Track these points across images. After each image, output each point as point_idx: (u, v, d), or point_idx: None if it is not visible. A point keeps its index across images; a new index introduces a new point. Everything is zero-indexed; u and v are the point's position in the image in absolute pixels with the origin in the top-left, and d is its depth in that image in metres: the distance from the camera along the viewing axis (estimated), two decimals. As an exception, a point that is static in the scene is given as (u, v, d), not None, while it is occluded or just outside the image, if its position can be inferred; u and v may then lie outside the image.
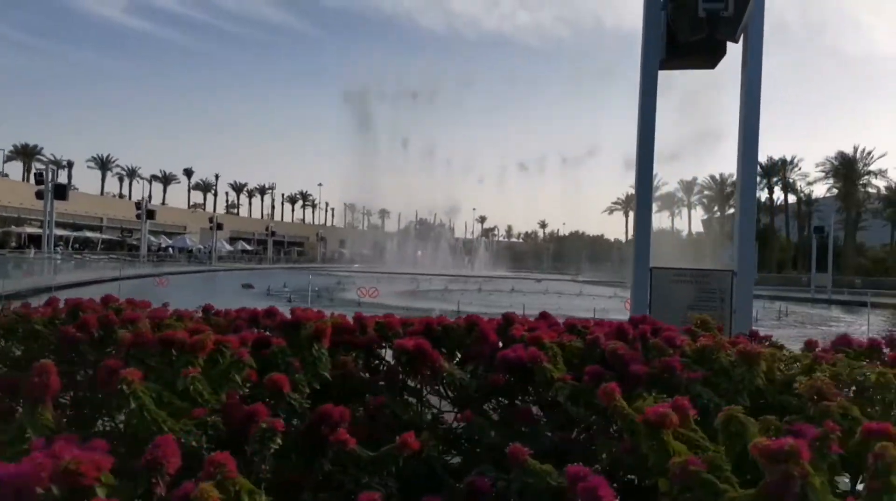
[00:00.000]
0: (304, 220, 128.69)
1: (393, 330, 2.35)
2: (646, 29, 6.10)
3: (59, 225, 65.38)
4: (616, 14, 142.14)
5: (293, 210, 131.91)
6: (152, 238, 75.90)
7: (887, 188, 64.15)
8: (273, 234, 79.45)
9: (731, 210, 75.85)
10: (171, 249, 71.99)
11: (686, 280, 6.23)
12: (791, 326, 21.13)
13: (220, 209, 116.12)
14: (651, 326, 2.44)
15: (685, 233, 75.19)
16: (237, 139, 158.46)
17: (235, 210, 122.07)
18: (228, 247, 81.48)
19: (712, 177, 73.63)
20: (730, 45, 6.10)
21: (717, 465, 1.24)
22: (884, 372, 1.82)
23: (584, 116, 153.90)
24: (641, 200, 6.22)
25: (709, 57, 6.33)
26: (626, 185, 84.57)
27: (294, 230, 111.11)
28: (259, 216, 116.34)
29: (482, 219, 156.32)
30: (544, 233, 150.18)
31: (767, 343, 3.19)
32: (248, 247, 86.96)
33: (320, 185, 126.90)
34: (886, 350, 2.96)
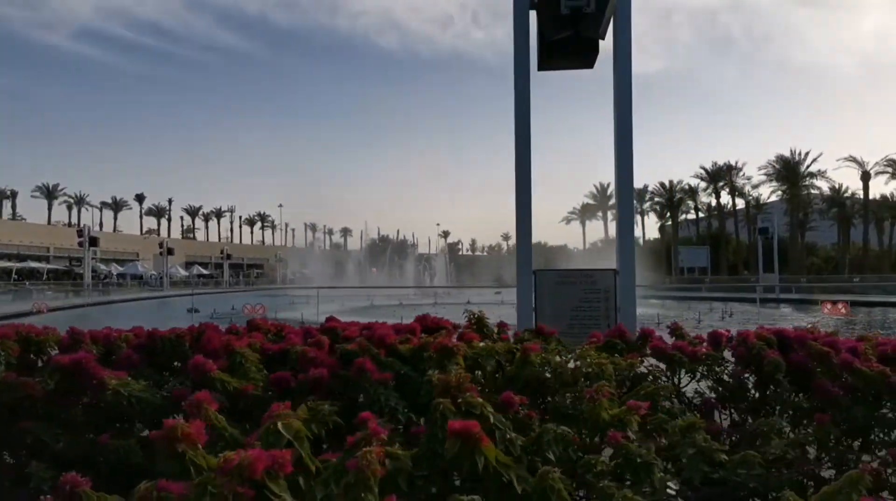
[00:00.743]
0: (263, 242, 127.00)
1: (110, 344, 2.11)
2: (516, 29, 6.02)
3: (2, 256, 63.12)
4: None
5: (252, 232, 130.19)
6: (102, 266, 73.92)
7: (831, 189, 66.31)
8: (229, 257, 78.03)
9: (684, 216, 78.23)
10: (122, 276, 70.08)
11: (571, 282, 6.12)
12: (733, 325, 21.39)
13: (176, 234, 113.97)
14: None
15: (642, 240, 76.44)
16: (193, 164, 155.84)
17: (192, 235, 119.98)
18: (183, 272, 79.76)
19: (662, 184, 75.06)
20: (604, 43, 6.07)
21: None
22: (561, 364, 1.67)
23: (543, 130, 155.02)
24: (521, 201, 6.10)
25: (584, 56, 6.28)
26: (581, 195, 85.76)
27: (253, 253, 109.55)
28: (216, 240, 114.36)
29: (445, 234, 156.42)
30: (508, 245, 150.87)
31: (594, 341, 3.06)
32: (205, 271, 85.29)
33: (280, 206, 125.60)
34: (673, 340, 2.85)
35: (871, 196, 64.38)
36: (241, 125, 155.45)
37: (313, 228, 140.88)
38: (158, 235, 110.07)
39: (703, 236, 72.16)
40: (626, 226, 6.08)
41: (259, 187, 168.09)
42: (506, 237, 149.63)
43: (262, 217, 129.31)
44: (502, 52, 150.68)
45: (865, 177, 61.47)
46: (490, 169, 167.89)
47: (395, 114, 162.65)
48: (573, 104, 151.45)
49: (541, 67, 6.61)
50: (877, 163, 61.32)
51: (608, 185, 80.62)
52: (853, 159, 61.17)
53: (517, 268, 6.13)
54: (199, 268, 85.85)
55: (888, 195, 66.09)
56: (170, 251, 61.38)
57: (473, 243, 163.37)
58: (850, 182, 66.04)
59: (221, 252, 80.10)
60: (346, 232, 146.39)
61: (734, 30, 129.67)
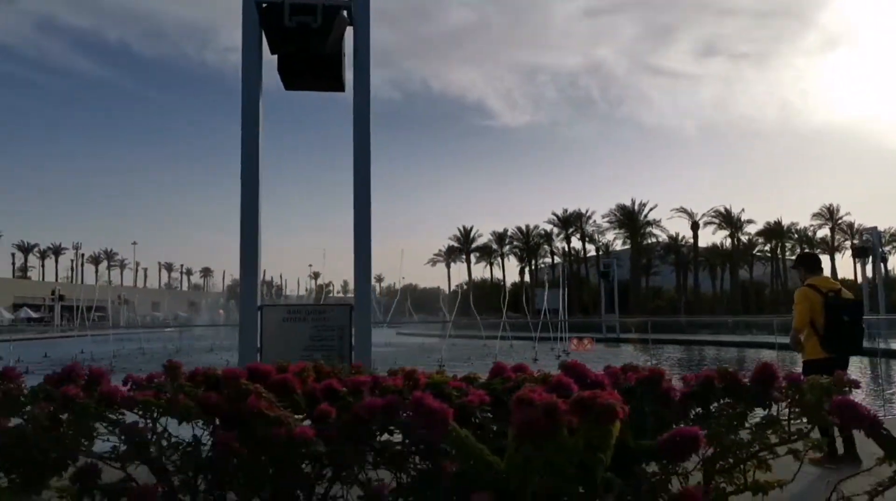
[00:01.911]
0: (110, 282, 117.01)
1: None
2: (245, 42, 5.54)
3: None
4: (444, 80, 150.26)
5: (97, 272, 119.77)
6: None
7: (670, 237, 72.40)
8: (62, 298, 70.65)
9: (545, 260, 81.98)
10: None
11: (301, 318, 5.58)
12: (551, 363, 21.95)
13: (6, 273, 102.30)
14: None
15: (507, 282, 78.90)
16: (28, 198, 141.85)
17: (24, 274, 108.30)
18: (7, 315, 71.39)
19: (519, 229, 78.41)
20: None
21: None
22: None
23: (414, 173, 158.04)
24: (246, 232, 5.51)
25: (328, 76, 5.90)
26: (445, 238, 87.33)
27: (94, 294, 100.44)
28: (53, 280, 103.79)
29: (315, 275, 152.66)
30: (380, 287, 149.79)
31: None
32: (34, 314, 76.76)
33: (134, 243, 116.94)
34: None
35: (705, 245, 71.21)
36: (88, 156, 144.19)
37: (169, 267, 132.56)
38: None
39: (558, 279, 75.78)
40: (362, 259, 5.66)
41: (109, 224, 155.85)
42: (378, 279, 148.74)
43: (109, 255, 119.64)
44: (378, 97, 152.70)
45: (695, 226, 67.93)
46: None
47: (268, 154, 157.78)
48: (434, 151, 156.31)
49: (288, 87, 6.15)
50: (704, 214, 68.04)
51: (471, 228, 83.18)
52: (684, 210, 67.47)
53: (240, 302, 5.52)
54: (29, 311, 77.20)
55: (718, 244, 73.35)
56: (-13, 291, 54.42)
57: (345, 284, 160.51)
58: (686, 232, 72.47)
59: (53, 293, 72.42)
60: (206, 273, 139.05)
61: (593, 91, 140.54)
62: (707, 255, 72.65)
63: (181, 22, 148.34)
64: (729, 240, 71.08)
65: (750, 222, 69.88)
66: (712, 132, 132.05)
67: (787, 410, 2.11)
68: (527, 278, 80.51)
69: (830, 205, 70.51)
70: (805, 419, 2.12)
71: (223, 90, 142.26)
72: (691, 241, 71.02)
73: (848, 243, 67.27)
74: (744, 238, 72.09)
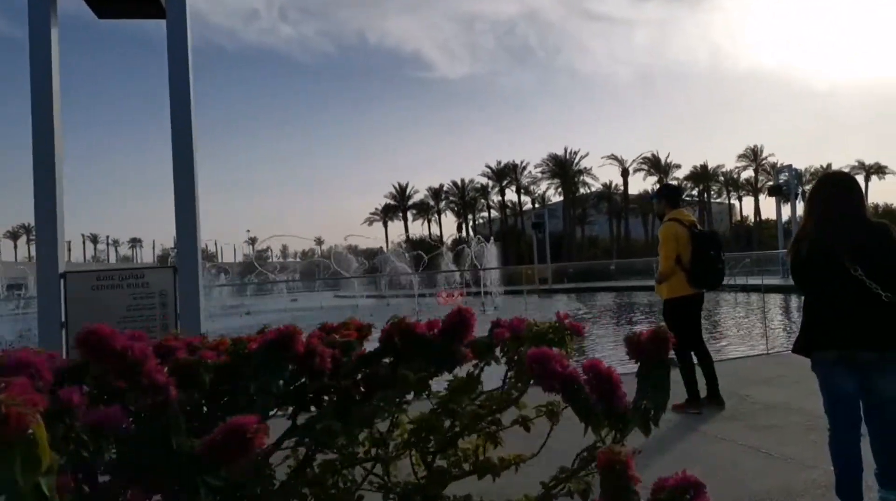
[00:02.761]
0: (28, 257, 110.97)
1: None
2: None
3: None
4: (379, 31, 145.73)
5: (16, 247, 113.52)
6: None
7: (604, 185, 73.36)
8: (-28, 276, 66.42)
9: (482, 214, 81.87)
10: None
11: (114, 284, 4.93)
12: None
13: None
14: None
15: (448, 239, 78.61)
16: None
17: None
18: (-84, 297, 66.60)
19: (454, 183, 77.87)
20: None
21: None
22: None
23: (350, 129, 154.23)
24: (41, 193, 4.76)
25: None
26: (382, 196, 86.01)
27: (14, 271, 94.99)
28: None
29: (252, 240, 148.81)
30: (321, 250, 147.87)
31: None
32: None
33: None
34: None
35: (637, 192, 72.52)
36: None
37: (94, 239, 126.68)
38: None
39: (497, 233, 76.04)
40: (186, 218, 5.00)
41: (27, 196, 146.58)
42: (319, 242, 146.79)
43: (28, 230, 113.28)
44: (312, 49, 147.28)
45: (625, 173, 68.89)
46: (303, 170, 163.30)
47: (197, 111, 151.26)
48: (372, 105, 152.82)
49: (101, 14, 5.30)
50: (633, 160, 69.01)
51: (407, 184, 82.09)
52: (614, 157, 68.21)
53: (38, 270, 4.81)
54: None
55: (649, 191, 74.78)
56: None
57: (285, 248, 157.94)
58: (618, 179, 73.53)
59: (-38, 271, 67.98)
60: (135, 243, 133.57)
61: (531, 40, 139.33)
62: (639, 202, 74.08)
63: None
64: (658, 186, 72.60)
65: (677, 166, 71.40)
66: (646, 78, 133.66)
67: (506, 368, 1.66)
68: (470, 232, 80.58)
69: (754, 146, 72.60)
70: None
71: (145, 46, 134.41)
72: (623, 188, 72.13)
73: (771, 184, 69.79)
74: (673, 183, 73.79)
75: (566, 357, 1.40)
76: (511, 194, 76.52)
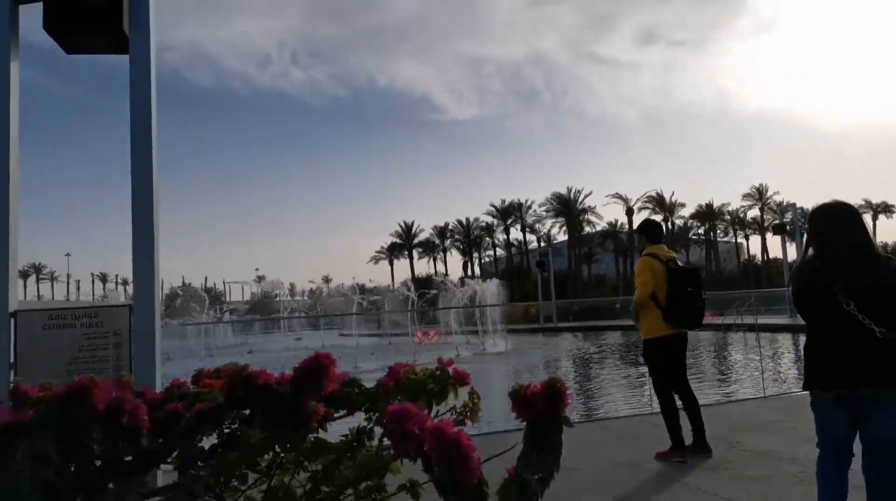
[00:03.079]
0: (38, 296, 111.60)
1: None
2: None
3: None
4: (390, 74, 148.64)
5: (25, 286, 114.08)
6: None
7: (609, 224, 73.25)
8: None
9: (488, 252, 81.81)
10: None
11: (67, 323, 4.73)
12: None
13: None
14: None
15: (454, 277, 78.36)
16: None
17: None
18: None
19: (459, 222, 77.96)
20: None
21: None
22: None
23: (360, 169, 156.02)
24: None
25: (112, 30, 5.00)
26: (388, 234, 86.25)
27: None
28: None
29: (260, 278, 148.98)
30: (328, 288, 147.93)
31: None
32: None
33: (68, 255, 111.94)
34: None
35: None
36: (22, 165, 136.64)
37: (104, 278, 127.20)
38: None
39: (503, 271, 75.67)
40: (143, 252, 4.83)
41: (39, 235, 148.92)
42: (326, 280, 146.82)
43: (38, 268, 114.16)
44: (323, 93, 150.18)
45: (629, 212, 68.71)
46: (312, 209, 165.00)
47: (207, 153, 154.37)
48: (381, 147, 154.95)
49: (69, 50, 5.24)
50: (638, 199, 68.93)
51: (412, 223, 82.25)
52: (619, 196, 68.19)
53: (-14, 309, 4.60)
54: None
55: (654, 230, 74.48)
56: None
57: (293, 287, 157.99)
58: (624, 218, 73.29)
59: (-29, 310, 68.01)
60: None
61: (537, 82, 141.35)
62: (645, 240, 73.71)
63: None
64: (664, 225, 72.50)
65: (682, 205, 71.26)
66: (653, 120, 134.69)
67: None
68: (476, 270, 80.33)
69: (760, 185, 72.45)
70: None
71: (159, 89, 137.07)
72: (628, 227, 71.89)
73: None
74: (679, 222, 73.50)
75: (428, 416, 1.17)
76: (517, 233, 76.55)
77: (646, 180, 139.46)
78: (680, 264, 5.12)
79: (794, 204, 34.64)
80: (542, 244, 73.39)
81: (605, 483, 4.32)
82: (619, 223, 73.28)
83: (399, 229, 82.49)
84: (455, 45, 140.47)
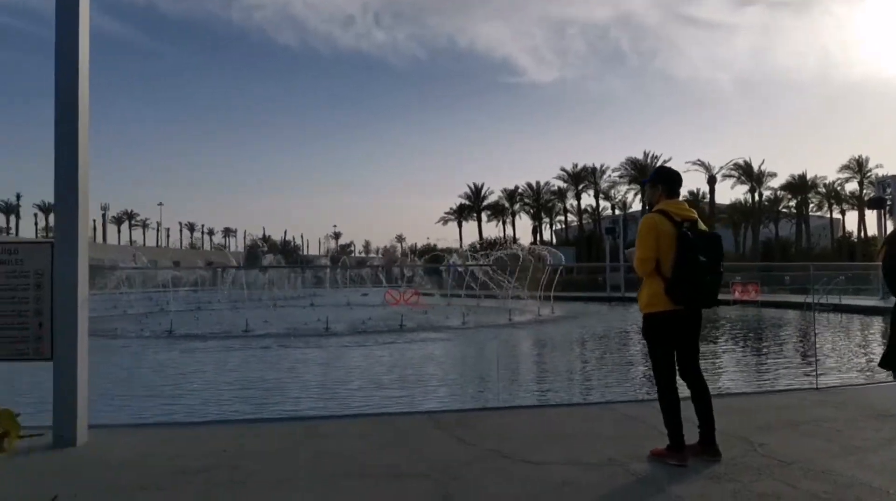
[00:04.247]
0: (131, 242, 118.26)
1: None
2: None
3: None
4: (470, 36, 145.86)
5: (119, 231, 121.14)
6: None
7: (690, 193, 69.48)
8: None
9: (560, 217, 79.56)
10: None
11: (-16, 259, 4.28)
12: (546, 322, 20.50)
13: (29, 233, 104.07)
14: None
15: (524, 242, 77.03)
16: (47, 158, 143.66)
17: (46, 233, 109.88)
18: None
19: (529, 185, 75.96)
20: None
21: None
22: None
23: (435, 131, 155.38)
24: None
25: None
26: (456, 196, 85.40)
27: (115, 253, 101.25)
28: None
29: (337, 236, 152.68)
30: (401, 246, 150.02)
31: None
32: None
33: (160, 205, 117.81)
34: None
35: (729, 201, 68.35)
36: (115, 117, 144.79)
37: (191, 227, 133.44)
38: (8, 233, 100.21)
39: (575, 238, 73.58)
40: (67, 182, 4.30)
41: (134, 184, 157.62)
42: (400, 239, 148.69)
43: (130, 216, 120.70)
44: (403, 54, 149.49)
45: (712, 180, 64.66)
46: (388, 168, 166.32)
47: (291, 111, 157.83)
48: (457, 104, 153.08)
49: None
50: (722, 167, 64.66)
51: (482, 185, 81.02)
52: (700, 163, 64.17)
53: None
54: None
55: (742, 201, 70.10)
56: None
57: (367, 244, 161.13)
58: (705, 187, 69.16)
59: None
60: (228, 233, 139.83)
61: (624, 44, 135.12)
62: (729, 211, 69.53)
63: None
64: (750, 196, 67.87)
65: (772, 175, 66.35)
66: (747, 84, 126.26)
67: None
68: (546, 236, 78.59)
69: (859, 156, 66.54)
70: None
71: (247, 48, 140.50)
72: (710, 196, 67.92)
73: (880, 198, 63.75)
74: (768, 193, 68.73)
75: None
76: (590, 199, 74.05)
77: (732, 148, 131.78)
78: (702, 227, 4.11)
79: (894, 176, 31.28)
80: (617, 212, 70.68)
81: (568, 487, 3.50)
82: (700, 193, 69.44)
83: (468, 191, 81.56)
84: (539, 6, 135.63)
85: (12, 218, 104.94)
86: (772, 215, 70.13)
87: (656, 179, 4.33)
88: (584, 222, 75.28)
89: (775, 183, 68.26)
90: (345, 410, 6.76)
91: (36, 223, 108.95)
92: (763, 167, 65.78)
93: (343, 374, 9.62)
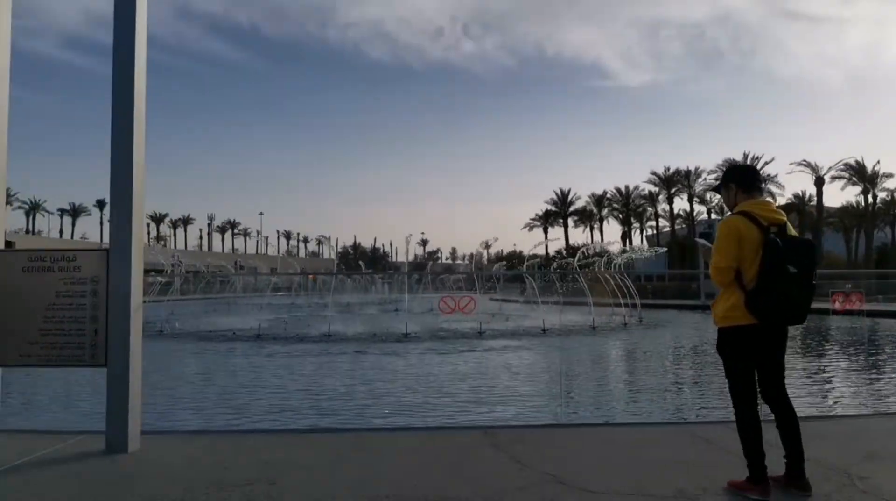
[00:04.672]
0: (234, 250, 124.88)
1: None
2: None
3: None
4: (558, 42, 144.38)
5: (223, 240, 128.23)
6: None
7: (794, 196, 65.26)
8: (180, 263, 75.95)
9: (650, 222, 76.69)
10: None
11: (46, 266, 4.39)
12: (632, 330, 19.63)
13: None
14: None
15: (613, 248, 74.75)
16: (162, 171, 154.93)
17: (162, 242, 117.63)
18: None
19: (618, 189, 73.58)
20: None
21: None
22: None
23: (520, 138, 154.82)
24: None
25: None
26: (541, 201, 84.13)
27: (221, 260, 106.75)
28: (184, 248, 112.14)
29: (424, 243, 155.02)
30: (487, 253, 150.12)
31: None
32: (161, 279, 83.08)
33: (261, 214, 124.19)
34: None
35: (839, 204, 63.47)
36: (218, 134, 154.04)
37: (287, 235, 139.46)
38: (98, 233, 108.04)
39: (667, 244, 70.69)
40: (122, 189, 4.35)
41: (236, 196, 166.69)
42: (486, 246, 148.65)
43: (233, 225, 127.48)
44: (491, 63, 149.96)
45: (819, 182, 60.10)
46: (474, 175, 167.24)
47: (385, 124, 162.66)
48: (545, 110, 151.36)
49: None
50: (831, 167, 60.00)
51: (569, 190, 79.44)
52: (806, 164, 59.82)
53: (-32, 247, 4.41)
54: (157, 276, 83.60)
55: (854, 203, 64.81)
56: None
57: (454, 251, 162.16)
58: (811, 189, 64.50)
59: (173, 257, 78.05)
60: (321, 241, 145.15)
61: (722, 43, 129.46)
62: (839, 215, 64.53)
63: (303, 1, 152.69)
64: (862, 198, 62.52)
65: (888, 175, 60.76)
66: (859, 81, 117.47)
67: None
68: (637, 241, 76.08)
69: None
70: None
71: (340, 64, 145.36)
72: (817, 199, 63.27)
73: None
74: (883, 195, 63.14)
75: None
76: (682, 203, 71.00)
77: (842, 148, 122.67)
78: (791, 231, 3.59)
79: None
80: (713, 216, 67.27)
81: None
82: (806, 195, 64.95)
83: (555, 197, 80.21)
84: (631, 9, 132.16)
85: (89, 220, 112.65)
86: (888, 219, 64.43)
87: (726, 178, 3.85)
88: (676, 226, 72.17)
89: (891, 184, 62.78)
90: (403, 421, 6.58)
91: (149, 233, 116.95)
92: (877, 168, 60.53)
93: (411, 382, 9.45)
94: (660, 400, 8.08)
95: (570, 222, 79.48)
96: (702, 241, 3.85)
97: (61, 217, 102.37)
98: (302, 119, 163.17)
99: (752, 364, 3.53)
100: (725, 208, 4.04)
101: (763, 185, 3.82)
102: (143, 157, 4.42)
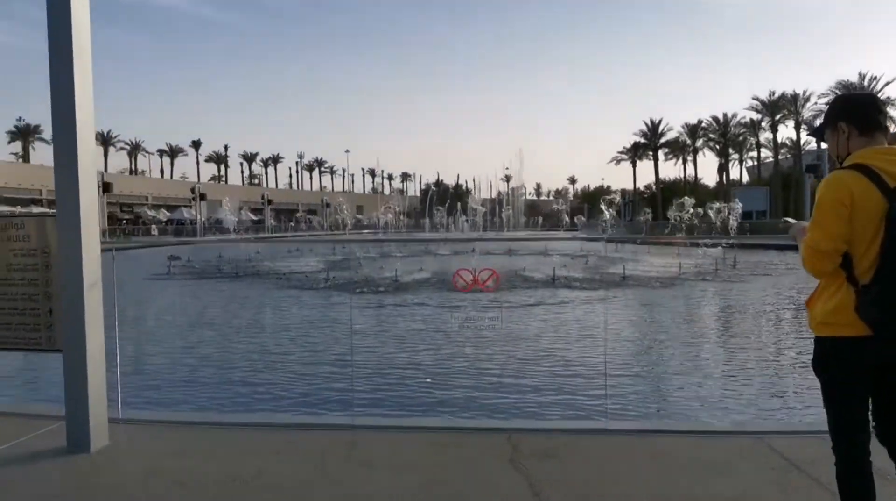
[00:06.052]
0: (321, 188, 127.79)
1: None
2: None
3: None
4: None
5: (311, 178, 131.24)
6: (152, 213, 76.79)
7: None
8: (270, 202, 78.37)
9: (752, 154, 70.93)
10: (170, 222, 71.85)
11: (-7, 235, 3.81)
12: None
13: (236, 181, 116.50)
14: None
15: (708, 182, 70.20)
16: (251, 110, 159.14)
17: (256, 181, 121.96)
18: (232, 218, 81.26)
19: (714, 118, 68.09)
20: None
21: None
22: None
23: (605, 62, 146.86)
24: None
25: None
26: (630, 133, 79.86)
27: (310, 198, 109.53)
28: (274, 186, 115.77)
29: (507, 178, 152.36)
30: (574, 189, 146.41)
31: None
32: (254, 217, 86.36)
33: (347, 152, 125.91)
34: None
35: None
36: (301, 70, 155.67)
37: (372, 173, 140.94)
38: (225, 181, 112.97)
39: (771, 177, 65.39)
40: (65, 157, 3.66)
41: (321, 133, 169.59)
42: (572, 181, 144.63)
43: (320, 163, 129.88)
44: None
45: (955, 104, 53.03)
46: (558, 106, 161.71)
47: (463, 55, 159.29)
48: (616, 33, 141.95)
49: None
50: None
51: (660, 121, 74.47)
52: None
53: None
54: (250, 214, 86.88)
55: None
56: (202, 197, 62.11)
57: (538, 187, 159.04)
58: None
59: (262, 197, 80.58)
60: (405, 177, 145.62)
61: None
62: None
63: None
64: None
65: None
66: None
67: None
68: (736, 174, 71.06)
69: None
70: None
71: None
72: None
73: None
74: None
75: None
76: (788, 131, 65.08)
77: None
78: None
79: None
80: (822, 146, 61.35)
81: None
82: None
83: (645, 128, 75.57)
84: None
85: (222, 167, 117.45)
86: None
87: (833, 114, 2.57)
88: (780, 158, 66.51)
89: None
90: (413, 412, 5.76)
91: (242, 172, 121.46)
92: None
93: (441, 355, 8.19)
94: (732, 393, 6.47)
95: (661, 154, 75.07)
96: (795, 226, 2.64)
97: (161, 158, 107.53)
98: (387, 50, 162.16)
99: (863, 392, 2.43)
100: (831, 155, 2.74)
101: (888, 123, 2.57)
102: (91, 101, 3.70)
